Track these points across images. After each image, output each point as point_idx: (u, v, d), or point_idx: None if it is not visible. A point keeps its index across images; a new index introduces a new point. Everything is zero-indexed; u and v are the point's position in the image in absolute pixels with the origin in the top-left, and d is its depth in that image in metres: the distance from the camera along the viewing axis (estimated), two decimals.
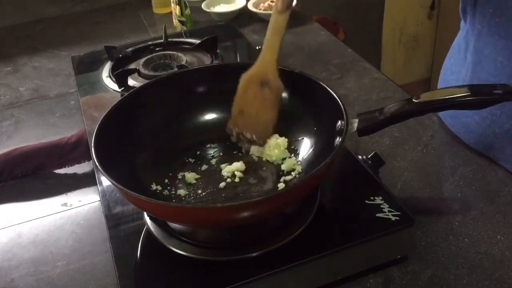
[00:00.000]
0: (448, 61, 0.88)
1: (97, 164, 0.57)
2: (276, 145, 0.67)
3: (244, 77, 0.67)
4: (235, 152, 0.72)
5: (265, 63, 0.66)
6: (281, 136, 0.70)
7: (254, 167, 0.69)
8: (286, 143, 0.68)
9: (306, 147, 0.69)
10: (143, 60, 1.01)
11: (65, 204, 0.77)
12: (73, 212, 0.75)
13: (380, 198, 0.63)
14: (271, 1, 1.31)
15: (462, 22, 0.82)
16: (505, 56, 0.71)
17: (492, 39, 0.72)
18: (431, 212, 0.70)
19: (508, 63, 0.71)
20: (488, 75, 0.74)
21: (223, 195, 0.65)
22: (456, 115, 0.82)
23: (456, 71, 0.83)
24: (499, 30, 0.71)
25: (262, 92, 0.66)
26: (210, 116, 0.75)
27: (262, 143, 0.68)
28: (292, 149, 0.70)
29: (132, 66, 1.03)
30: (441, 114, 0.87)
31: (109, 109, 0.66)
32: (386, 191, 0.64)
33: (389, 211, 0.61)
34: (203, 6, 1.32)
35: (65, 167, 0.84)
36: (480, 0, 0.72)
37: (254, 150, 0.70)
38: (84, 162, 0.84)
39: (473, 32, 0.76)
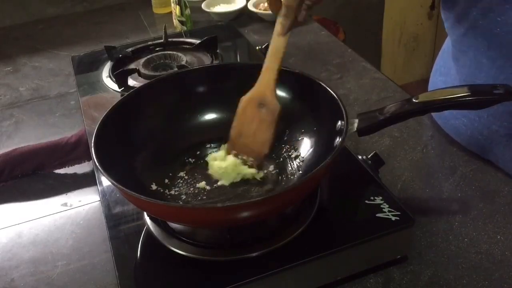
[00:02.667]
0: (438, 63, 0.87)
1: (97, 164, 0.57)
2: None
3: (243, 100, 0.67)
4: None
5: (263, 84, 0.66)
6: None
7: None
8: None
9: (306, 147, 0.69)
10: (143, 60, 1.01)
11: (65, 204, 0.77)
12: (73, 212, 0.75)
13: (380, 198, 0.63)
14: None
15: None
16: (489, 58, 0.70)
17: (475, 41, 0.72)
18: (431, 212, 0.70)
19: (492, 65, 0.70)
20: (474, 77, 0.74)
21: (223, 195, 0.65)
22: (446, 118, 0.82)
23: (445, 72, 0.83)
24: (482, 32, 0.70)
25: (260, 113, 0.66)
26: (210, 116, 0.75)
27: (257, 165, 0.67)
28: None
29: (132, 66, 1.03)
30: (433, 115, 0.87)
31: (109, 109, 0.66)
32: (386, 191, 0.64)
33: (389, 211, 0.61)
34: (203, 6, 1.32)
35: (65, 167, 0.84)
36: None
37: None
38: (84, 162, 0.84)
39: (457, 33, 0.76)
